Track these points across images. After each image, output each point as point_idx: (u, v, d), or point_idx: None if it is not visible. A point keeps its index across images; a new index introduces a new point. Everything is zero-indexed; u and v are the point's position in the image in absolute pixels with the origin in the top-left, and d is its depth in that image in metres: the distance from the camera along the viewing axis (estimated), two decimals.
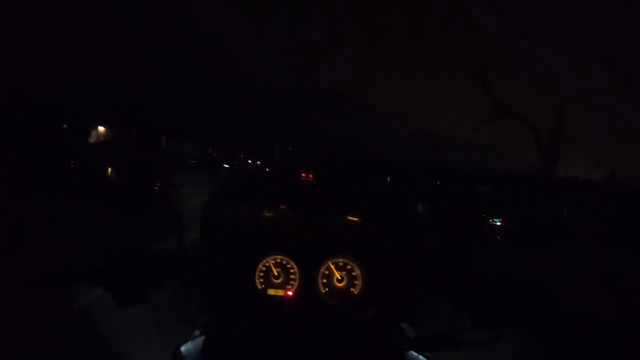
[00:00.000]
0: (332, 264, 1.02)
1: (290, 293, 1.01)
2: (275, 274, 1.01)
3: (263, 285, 1.01)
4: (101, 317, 3.76)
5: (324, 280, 1.01)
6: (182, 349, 0.99)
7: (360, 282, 1.01)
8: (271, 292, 1.00)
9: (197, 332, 1.04)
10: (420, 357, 0.99)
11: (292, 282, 1.01)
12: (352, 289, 1.01)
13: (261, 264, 1.02)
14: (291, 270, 1.02)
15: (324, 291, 1.01)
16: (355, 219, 1.07)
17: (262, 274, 1.02)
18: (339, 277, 1.01)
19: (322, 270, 1.01)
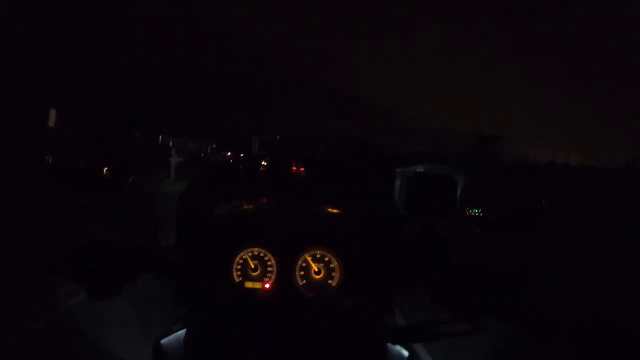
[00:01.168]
0: (309, 256, 1.01)
1: (267, 286, 1.00)
2: (253, 266, 1.00)
3: (240, 278, 1.00)
4: (85, 318, 3.79)
5: (302, 273, 1.01)
6: (163, 342, 0.98)
7: (337, 274, 1.01)
8: (248, 284, 1.00)
9: (176, 326, 1.03)
10: (401, 349, 0.99)
11: (269, 275, 1.00)
12: (329, 281, 1.01)
13: (238, 256, 1.01)
14: (268, 263, 1.01)
15: (301, 283, 1.00)
16: (333, 210, 1.06)
17: (239, 266, 1.01)
18: (317, 270, 1.00)
19: (300, 262, 1.01)
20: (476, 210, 1.08)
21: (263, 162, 1.18)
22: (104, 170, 1.04)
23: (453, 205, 1.07)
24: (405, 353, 0.99)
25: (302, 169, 1.13)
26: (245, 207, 1.06)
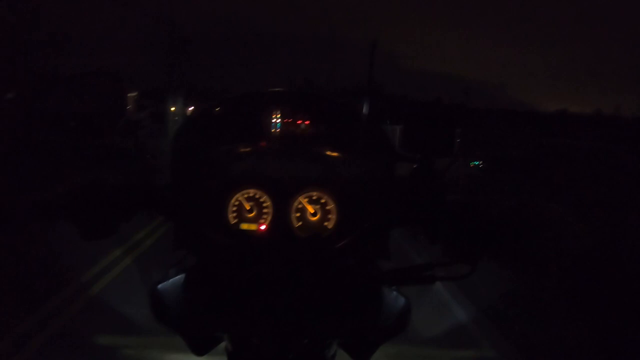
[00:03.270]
0: (305, 198, 1.00)
1: (263, 227, 0.99)
2: (248, 208, 0.99)
3: (236, 220, 1.00)
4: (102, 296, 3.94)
5: (297, 215, 1.00)
6: (160, 287, 0.97)
7: (334, 216, 1.00)
8: (244, 226, 0.99)
9: (173, 270, 1.03)
10: (394, 292, 0.99)
11: (265, 217, 1.00)
12: (325, 223, 1.00)
13: (234, 198, 1.00)
14: (264, 205, 1.00)
15: (297, 225, 1.00)
16: (327, 152, 1.04)
17: (234, 208, 1.00)
18: (312, 211, 1.00)
19: (295, 204, 1.00)
20: (477, 162, 1.06)
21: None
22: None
23: (452, 145, 1.05)
24: (402, 299, 0.99)
25: (307, 122, 1.08)
26: (241, 149, 1.04)
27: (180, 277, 0.99)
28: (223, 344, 0.97)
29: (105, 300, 3.92)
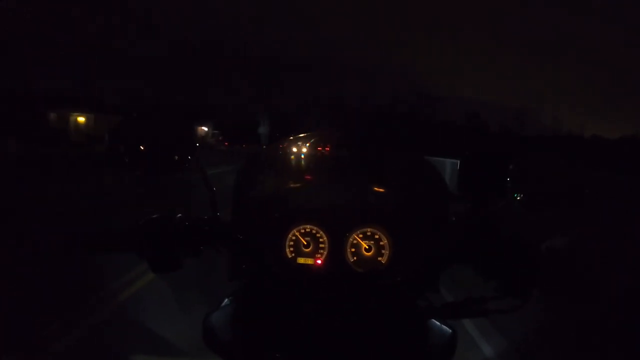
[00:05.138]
0: (360, 234, 1.03)
1: (319, 262, 1.02)
2: (305, 243, 1.02)
3: (293, 254, 1.03)
4: (137, 312, 4.03)
5: (353, 250, 1.03)
6: (213, 316, 1.02)
7: (387, 252, 1.02)
8: (301, 260, 1.02)
9: (227, 301, 1.06)
10: (444, 326, 1.01)
11: (321, 252, 1.03)
12: (379, 258, 1.02)
13: (291, 233, 1.03)
14: (320, 240, 1.03)
15: (352, 260, 1.02)
16: (381, 189, 1.07)
17: (291, 243, 1.03)
18: (367, 247, 1.02)
19: (350, 240, 1.03)
20: (518, 196, 1.09)
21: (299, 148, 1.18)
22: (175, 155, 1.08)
23: (505, 184, 1.08)
24: (448, 330, 1.01)
25: (327, 148, 1.12)
26: (294, 185, 1.09)
27: (232, 307, 1.04)
28: None
29: (129, 314, 4.04)
